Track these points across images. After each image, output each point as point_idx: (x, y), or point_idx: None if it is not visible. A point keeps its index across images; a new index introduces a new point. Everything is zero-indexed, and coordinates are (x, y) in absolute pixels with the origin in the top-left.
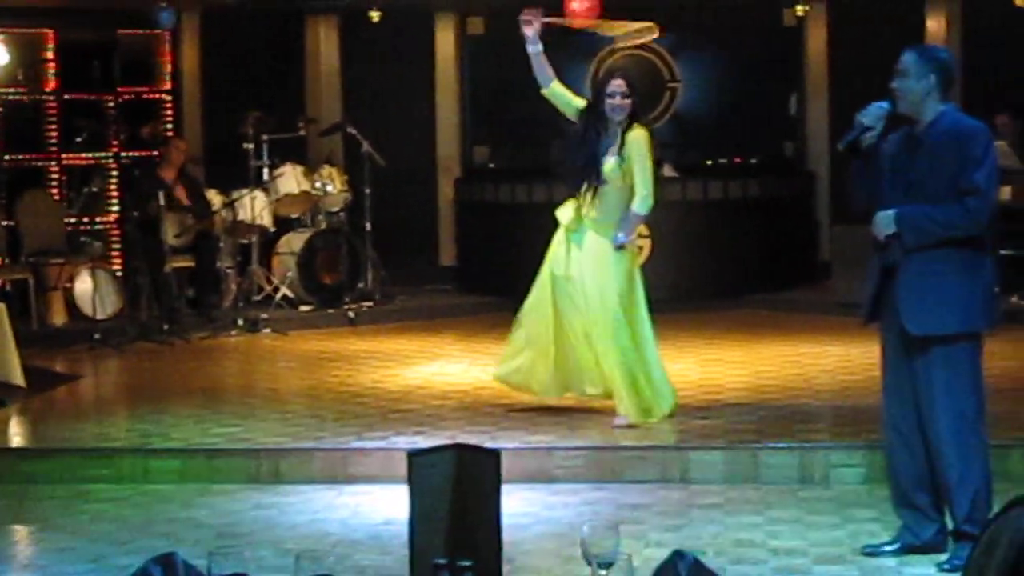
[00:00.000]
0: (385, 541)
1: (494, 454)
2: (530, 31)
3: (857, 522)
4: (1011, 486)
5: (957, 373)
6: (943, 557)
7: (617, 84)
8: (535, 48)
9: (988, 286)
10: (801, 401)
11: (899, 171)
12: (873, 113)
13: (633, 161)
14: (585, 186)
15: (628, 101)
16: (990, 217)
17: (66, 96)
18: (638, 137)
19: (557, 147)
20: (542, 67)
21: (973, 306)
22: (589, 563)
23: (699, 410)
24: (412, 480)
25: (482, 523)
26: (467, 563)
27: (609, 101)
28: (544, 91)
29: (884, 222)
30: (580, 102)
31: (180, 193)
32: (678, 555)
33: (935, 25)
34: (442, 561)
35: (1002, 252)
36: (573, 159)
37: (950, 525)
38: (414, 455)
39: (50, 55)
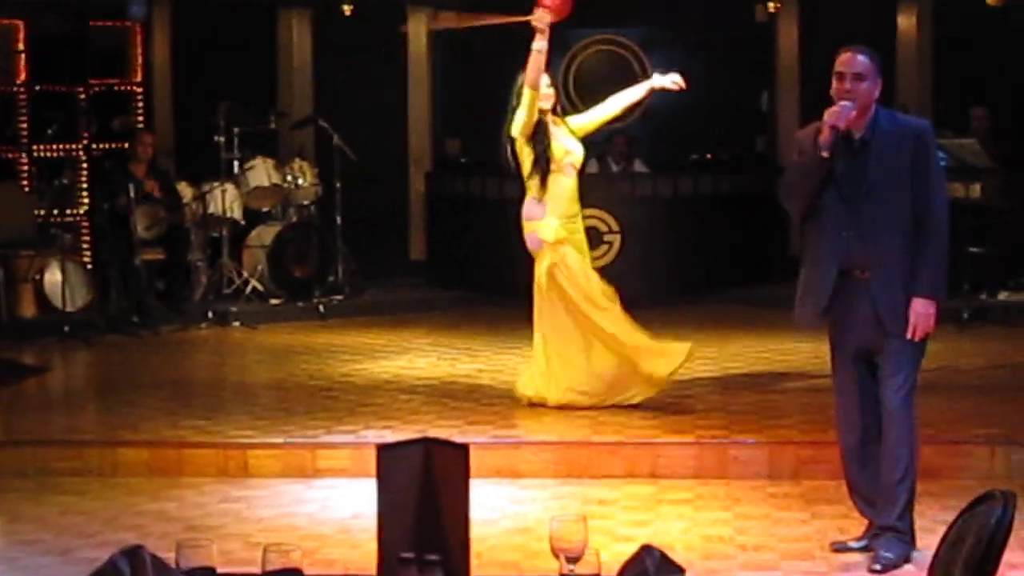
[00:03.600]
0: (353, 535)
1: (463, 448)
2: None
3: (825, 518)
4: (976, 483)
5: (914, 371)
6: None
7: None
8: (541, 45)
9: None
10: (770, 397)
11: (850, 178)
12: (844, 115)
13: (584, 116)
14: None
15: (551, 91)
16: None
17: (36, 88)
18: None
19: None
20: (540, 67)
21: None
22: (557, 557)
23: (669, 405)
24: (380, 474)
25: (450, 518)
26: (435, 558)
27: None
28: (532, 91)
29: (925, 313)
30: None
31: (151, 186)
32: (646, 550)
33: (906, 21)
34: (409, 555)
35: (971, 250)
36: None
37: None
38: (383, 448)
39: (21, 46)
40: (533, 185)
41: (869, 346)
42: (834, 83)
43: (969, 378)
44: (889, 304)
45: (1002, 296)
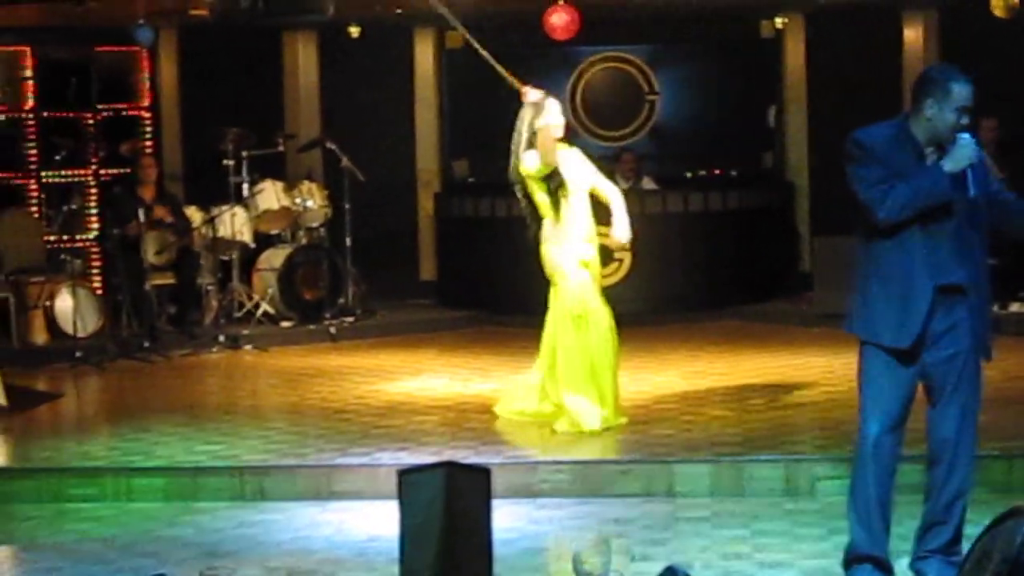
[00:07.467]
0: (370, 558)
1: (484, 472)
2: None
3: (843, 534)
4: (994, 496)
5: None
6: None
7: None
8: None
9: None
10: (785, 413)
11: (957, 200)
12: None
13: (594, 179)
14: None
15: (563, 121)
16: None
17: (44, 114)
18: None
19: None
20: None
21: None
22: None
23: (684, 423)
24: (402, 498)
25: (472, 540)
26: None
27: None
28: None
29: None
30: None
31: (160, 212)
32: (671, 571)
33: (913, 35)
34: None
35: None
36: None
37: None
38: (404, 473)
39: (28, 73)
40: (550, 214)
41: (952, 368)
42: (958, 118)
43: (985, 390)
44: (983, 329)
45: (1014, 308)
